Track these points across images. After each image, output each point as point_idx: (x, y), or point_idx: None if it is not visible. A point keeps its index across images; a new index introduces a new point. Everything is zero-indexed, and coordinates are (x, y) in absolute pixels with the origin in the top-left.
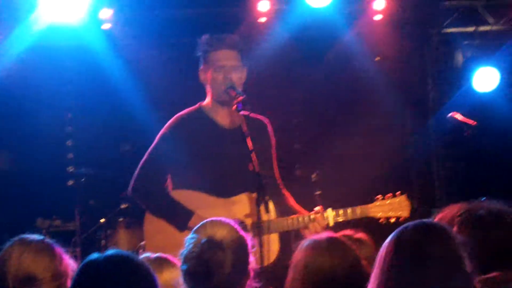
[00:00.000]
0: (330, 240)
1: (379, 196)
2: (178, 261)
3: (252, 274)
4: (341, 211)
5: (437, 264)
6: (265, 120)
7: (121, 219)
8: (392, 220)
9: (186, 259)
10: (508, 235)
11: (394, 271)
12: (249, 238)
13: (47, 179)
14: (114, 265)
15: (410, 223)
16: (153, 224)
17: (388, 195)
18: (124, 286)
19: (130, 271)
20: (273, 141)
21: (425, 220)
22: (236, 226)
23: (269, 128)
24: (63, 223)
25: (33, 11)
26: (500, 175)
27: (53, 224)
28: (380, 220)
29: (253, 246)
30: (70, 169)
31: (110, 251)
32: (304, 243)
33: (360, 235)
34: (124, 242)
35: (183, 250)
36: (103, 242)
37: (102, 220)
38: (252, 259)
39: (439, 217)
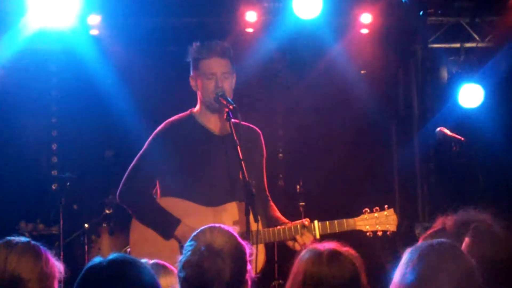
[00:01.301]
0: (330, 251)
1: (366, 209)
2: (174, 268)
3: (250, 282)
4: (328, 224)
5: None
6: (258, 130)
7: (104, 225)
8: (379, 233)
9: (184, 266)
10: None
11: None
12: (247, 246)
13: (31, 182)
14: (118, 269)
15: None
16: (139, 231)
17: (376, 208)
18: None
19: (134, 275)
20: (264, 151)
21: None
22: (235, 234)
23: (262, 138)
24: (46, 227)
25: (23, 16)
26: (484, 190)
27: (36, 228)
28: (367, 234)
29: (251, 254)
30: (54, 173)
31: (113, 255)
32: (304, 254)
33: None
34: (107, 248)
35: (181, 257)
36: (86, 247)
37: (86, 225)
38: (249, 267)
39: (436, 228)
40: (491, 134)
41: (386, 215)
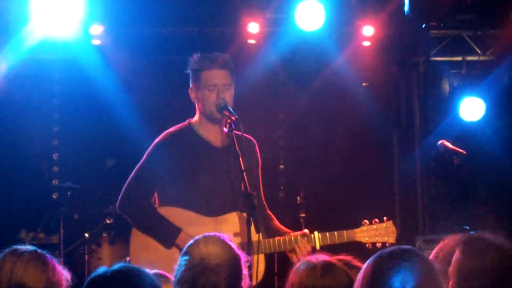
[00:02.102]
0: (325, 263)
1: (365, 221)
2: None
3: None
4: (328, 235)
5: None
6: (253, 139)
7: (105, 234)
8: (378, 245)
9: (179, 282)
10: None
11: None
12: (242, 255)
13: (32, 191)
14: (123, 279)
15: (386, 250)
16: (139, 240)
17: (375, 220)
18: None
19: (139, 286)
20: (260, 161)
21: (402, 246)
22: (230, 243)
23: (257, 148)
24: (47, 236)
25: (26, 25)
26: (484, 203)
27: (37, 237)
28: (367, 245)
29: (246, 261)
30: (55, 182)
31: (118, 265)
32: (300, 265)
33: (349, 258)
34: (107, 258)
35: (176, 272)
36: (86, 256)
37: (87, 235)
38: (245, 273)
39: (439, 247)
40: (492, 148)
41: (385, 227)
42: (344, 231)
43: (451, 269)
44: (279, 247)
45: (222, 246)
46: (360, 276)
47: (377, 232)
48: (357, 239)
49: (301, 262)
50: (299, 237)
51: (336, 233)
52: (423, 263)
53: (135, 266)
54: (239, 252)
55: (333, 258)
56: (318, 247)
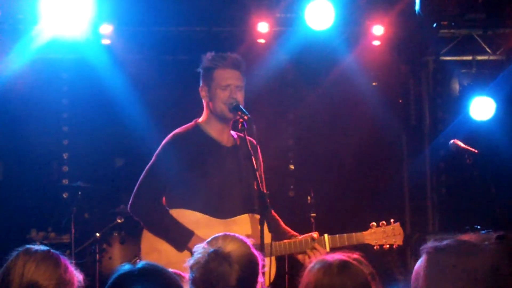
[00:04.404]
0: (341, 261)
1: (373, 223)
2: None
3: None
4: (337, 237)
5: None
6: (254, 141)
7: (116, 234)
8: (386, 247)
9: (192, 268)
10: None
11: None
12: (260, 258)
13: (42, 191)
14: (149, 277)
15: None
16: (150, 242)
17: (382, 222)
18: None
19: (164, 284)
20: (261, 162)
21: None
22: (249, 244)
23: (259, 151)
24: (57, 236)
25: (35, 25)
26: (494, 203)
27: (47, 237)
28: (375, 247)
29: (263, 266)
30: (65, 182)
31: (142, 263)
32: (315, 265)
33: (356, 255)
34: (118, 257)
35: (190, 259)
36: (97, 256)
37: (97, 234)
38: (261, 280)
39: None
40: (503, 147)
41: (392, 229)
42: (354, 234)
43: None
44: (289, 249)
45: (241, 243)
46: None
47: (385, 234)
48: (366, 241)
49: (315, 261)
50: (309, 240)
51: (345, 235)
52: None
53: (160, 265)
54: (257, 253)
55: (346, 256)
56: (328, 249)
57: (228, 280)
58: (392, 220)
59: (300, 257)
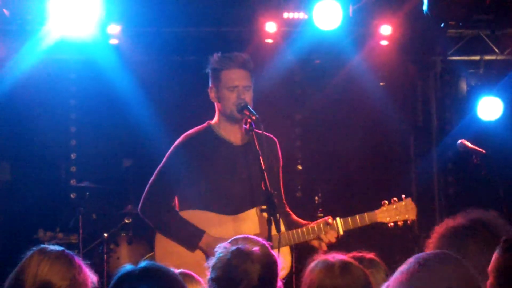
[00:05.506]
0: (342, 262)
1: (385, 201)
2: (201, 279)
3: None
4: (350, 219)
5: None
6: (274, 138)
7: (123, 234)
8: (400, 223)
9: (214, 267)
10: None
11: None
12: (279, 261)
13: (50, 191)
14: (151, 277)
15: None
16: (163, 246)
17: (394, 199)
18: None
19: (166, 284)
20: (281, 159)
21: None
22: (268, 246)
23: (278, 147)
24: (65, 236)
25: (43, 25)
26: (502, 203)
27: (55, 237)
28: (389, 225)
29: (282, 269)
30: (73, 182)
31: (144, 263)
32: (316, 264)
33: (371, 255)
34: (126, 257)
35: (212, 259)
36: (104, 256)
37: (105, 235)
38: (280, 284)
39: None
40: (510, 147)
41: (404, 204)
42: (366, 213)
43: (490, 266)
44: (303, 236)
45: (261, 244)
46: None
47: (397, 211)
48: (379, 219)
49: (317, 261)
50: (322, 225)
51: (357, 216)
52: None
53: (162, 265)
54: (276, 257)
55: (347, 257)
56: (341, 232)
57: (251, 279)
58: (403, 196)
59: (315, 243)
